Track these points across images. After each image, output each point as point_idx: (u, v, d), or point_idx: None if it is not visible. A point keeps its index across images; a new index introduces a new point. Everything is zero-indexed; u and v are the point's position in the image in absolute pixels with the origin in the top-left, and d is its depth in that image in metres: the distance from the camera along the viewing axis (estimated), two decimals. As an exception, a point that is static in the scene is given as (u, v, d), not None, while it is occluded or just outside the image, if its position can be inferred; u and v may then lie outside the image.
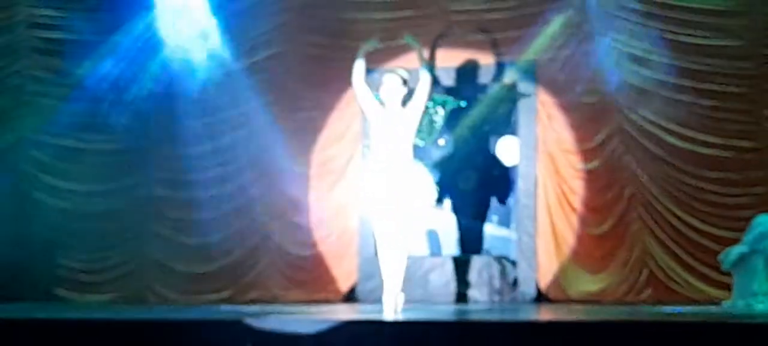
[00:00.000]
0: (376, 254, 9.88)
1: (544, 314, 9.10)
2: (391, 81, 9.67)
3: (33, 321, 7.85)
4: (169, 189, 12.96)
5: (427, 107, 11.77)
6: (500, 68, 12.25)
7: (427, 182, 9.78)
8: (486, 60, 12.27)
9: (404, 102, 9.71)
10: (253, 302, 12.31)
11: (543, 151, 12.07)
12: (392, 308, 9.35)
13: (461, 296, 11.96)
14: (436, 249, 12.93)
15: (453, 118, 12.58)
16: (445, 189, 12.65)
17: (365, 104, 9.75)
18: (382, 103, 9.74)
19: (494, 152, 12.90)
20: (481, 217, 12.87)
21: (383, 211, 9.50)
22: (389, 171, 9.51)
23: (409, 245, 9.67)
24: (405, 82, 9.71)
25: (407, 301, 9.67)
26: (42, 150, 13.20)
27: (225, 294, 12.63)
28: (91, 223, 13.05)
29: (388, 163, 9.52)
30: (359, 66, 9.78)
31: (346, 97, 12.34)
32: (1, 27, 13.27)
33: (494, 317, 8.35)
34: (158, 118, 12.97)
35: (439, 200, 12.42)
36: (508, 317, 8.13)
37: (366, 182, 9.76)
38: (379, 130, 9.65)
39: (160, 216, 12.96)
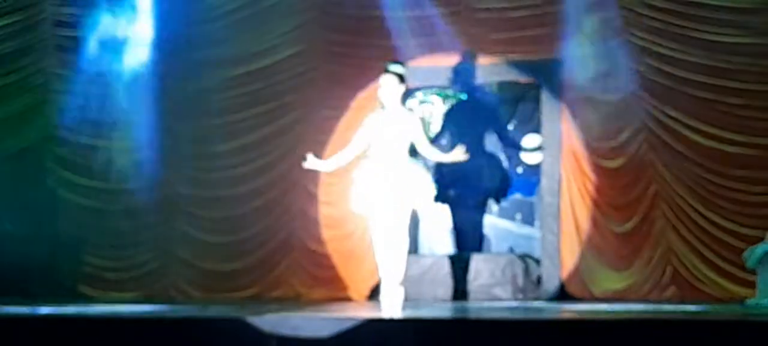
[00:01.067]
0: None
1: (568, 312, 9.10)
2: (388, 82, 9.67)
3: (56, 318, 7.90)
4: (194, 187, 13.01)
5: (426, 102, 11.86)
6: (524, 66, 12.24)
7: (426, 180, 9.77)
8: (510, 58, 12.26)
9: (403, 100, 9.80)
10: (277, 300, 12.35)
11: (567, 150, 12.05)
12: (390, 306, 9.38)
13: (485, 294, 11.97)
14: (461, 247, 12.92)
15: (471, 115, 12.58)
16: (455, 187, 12.67)
17: (366, 139, 9.82)
18: (381, 104, 9.76)
19: (494, 149, 12.90)
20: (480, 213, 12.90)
21: (380, 209, 9.52)
22: (387, 169, 9.51)
23: (406, 242, 9.68)
24: (402, 79, 9.71)
25: (438, 299, 9.71)
26: (66, 148, 13.27)
27: (249, 292, 12.67)
28: (116, 221, 13.10)
29: (387, 162, 9.53)
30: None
31: (367, 95, 12.35)
32: (25, 25, 13.35)
33: (518, 315, 8.34)
34: (183, 116, 13.02)
35: (444, 198, 12.38)
36: (531, 315, 8.12)
37: (363, 180, 9.76)
38: (378, 130, 9.65)
39: (185, 214, 13.00)
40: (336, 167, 10.22)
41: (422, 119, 10.67)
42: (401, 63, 10.00)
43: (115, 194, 13.12)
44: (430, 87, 12.47)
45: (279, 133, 12.72)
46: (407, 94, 9.96)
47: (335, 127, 12.51)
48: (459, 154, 9.79)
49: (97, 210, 13.16)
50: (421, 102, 10.89)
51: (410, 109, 10.07)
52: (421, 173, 9.81)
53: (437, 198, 12.35)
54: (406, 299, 9.76)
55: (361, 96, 12.42)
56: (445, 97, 11.70)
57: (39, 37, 13.36)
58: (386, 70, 9.78)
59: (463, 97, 10.69)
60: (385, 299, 9.52)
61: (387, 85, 9.68)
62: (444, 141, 12.67)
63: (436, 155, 10.02)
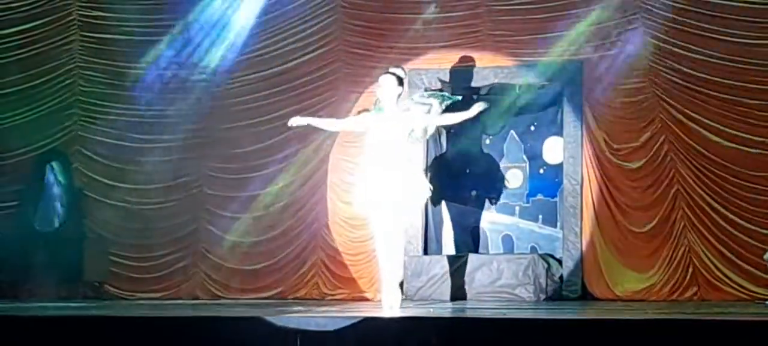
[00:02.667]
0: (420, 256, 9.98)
1: (590, 312, 9.13)
2: (387, 81, 9.71)
3: (85, 318, 7.98)
4: (220, 188, 13.09)
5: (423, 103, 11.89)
6: (546, 68, 12.27)
7: (422, 180, 9.84)
8: (532, 59, 12.30)
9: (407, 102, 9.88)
10: (302, 299, 12.41)
11: (588, 151, 12.08)
12: (389, 306, 9.45)
13: (507, 294, 11.99)
14: (482, 247, 12.97)
15: (493, 117, 12.62)
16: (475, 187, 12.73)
17: (357, 127, 9.90)
18: (379, 104, 9.83)
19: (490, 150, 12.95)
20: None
21: (379, 209, 9.58)
22: (384, 170, 9.57)
23: (402, 242, 9.74)
24: (401, 81, 9.76)
25: (458, 298, 9.76)
26: (94, 149, 13.36)
27: (274, 292, 12.75)
28: (143, 221, 13.20)
29: (385, 162, 9.58)
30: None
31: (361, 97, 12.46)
32: (54, 28, 13.45)
33: (540, 315, 8.39)
34: (210, 118, 13.11)
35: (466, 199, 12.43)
36: (553, 315, 8.16)
37: (364, 182, 9.82)
38: (376, 130, 9.70)
39: (211, 214, 13.08)
40: (318, 126, 10.33)
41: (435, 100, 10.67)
42: (401, 67, 10.09)
43: (141, 194, 13.22)
44: (453, 91, 12.50)
45: (303, 134, 12.78)
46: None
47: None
48: (478, 107, 9.86)
49: (124, 210, 13.25)
50: (418, 103, 10.94)
51: (406, 109, 10.04)
52: (416, 174, 9.85)
53: (459, 199, 12.45)
54: (428, 299, 9.80)
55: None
56: (442, 99, 11.79)
57: (67, 39, 13.46)
58: (385, 71, 9.84)
59: (458, 99, 10.73)
60: (385, 299, 9.53)
61: (386, 85, 9.71)
62: (461, 143, 12.76)
63: (455, 117, 10.05)
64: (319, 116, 12.63)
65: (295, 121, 10.00)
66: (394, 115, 9.69)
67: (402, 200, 9.55)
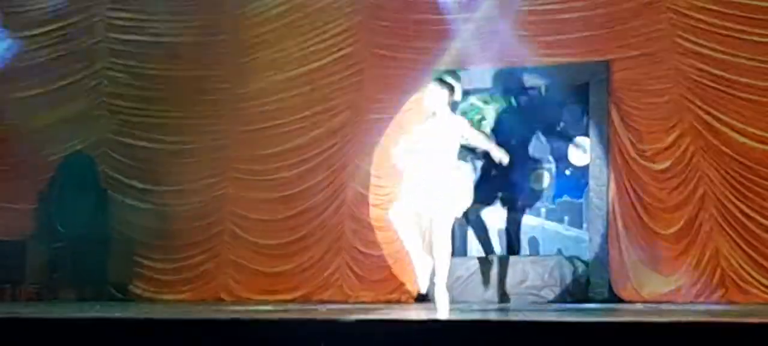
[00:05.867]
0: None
1: (616, 315, 9.10)
2: (436, 89, 9.78)
3: (108, 320, 7.99)
4: (244, 189, 13.12)
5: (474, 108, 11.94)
6: (572, 68, 12.25)
7: (469, 185, 9.91)
8: (558, 60, 12.27)
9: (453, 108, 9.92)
10: (326, 302, 12.42)
11: (615, 152, 12.04)
12: (441, 308, 9.51)
13: (533, 296, 11.97)
14: (508, 249, 12.94)
15: (518, 118, 12.60)
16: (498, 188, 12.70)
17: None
18: (431, 111, 9.88)
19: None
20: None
21: (424, 213, 9.64)
22: (434, 175, 9.61)
23: (449, 245, 9.78)
24: (452, 89, 9.81)
25: (485, 301, 9.81)
26: (119, 151, 13.43)
27: (299, 293, 12.76)
28: (168, 222, 13.24)
29: (434, 167, 9.63)
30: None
31: (415, 98, 12.42)
32: (80, 29, 13.51)
33: (566, 317, 8.36)
34: (233, 119, 13.14)
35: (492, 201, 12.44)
36: (579, 317, 8.13)
37: (409, 184, 9.88)
38: (428, 136, 9.77)
39: (236, 216, 13.12)
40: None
41: (471, 120, 10.79)
42: (454, 72, 10.11)
43: (166, 196, 13.26)
44: (479, 92, 12.49)
45: (327, 135, 12.82)
46: (456, 103, 10.04)
47: (383, 130, 12.59)
48: (503, 156, 10.00)
49: (149, 212, 13.30)
50: (471, 108, 11.02)
51: (461, 115, 10.16)
52: (464, 180, 9.92)
53: (486, 201, 12.43)
54: (452, 301, 9.84)
55: (409, 99, 12.49)
56: (495, 103, 11.74)
57: (93, 41, 13.53)
58: (436, 79, 9.90)
59: (513, 102, 10.77)
60: (439, 299, 9.64)
61: (435, 93, 9.78)
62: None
63: (483, 144, 10.16)
64: (342, 117, 12.74)
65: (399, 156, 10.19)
66: (447, 120, 9.75)
67: (449, 204, 9.62)
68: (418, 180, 9.72)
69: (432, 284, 9.84)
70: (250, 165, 13.11)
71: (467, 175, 10.22)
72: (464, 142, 10.07)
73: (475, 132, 9.98)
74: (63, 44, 13.57)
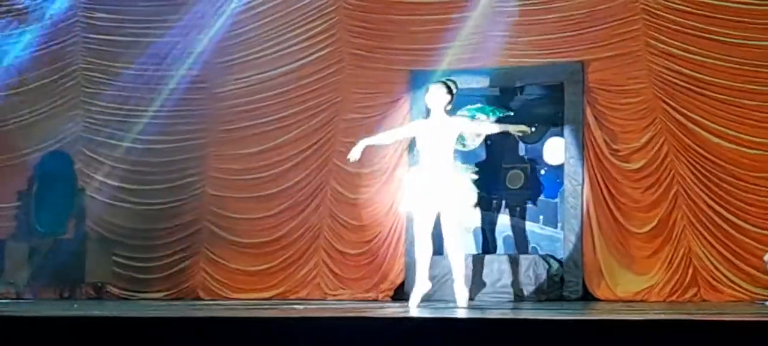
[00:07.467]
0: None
1: (590, 313, 9.16)
2: (436, 89, 9.89)
3: (85, 319, 8.00)
4: (222, 188, 13.15)
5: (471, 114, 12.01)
6: (548, 69, 12.32)
7: (469, 185, 10.01)
8: (534, 61, 12.34)
9: (451, 112, 9.99)
10: (303, 300, 12.45)
11: (589, 152, 12.12)
12: (415, 305, 9.64)
13: (508, 295, 12.03)
14: (484, 248, 12.99)
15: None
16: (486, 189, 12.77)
17: (409, 134, 10.05)
18: (428, 111, 9.98)
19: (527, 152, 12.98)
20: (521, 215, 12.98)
21: (424, 213, 9.73)
22: (433, 174, 9.71)
23: (461, 244, 9.88)
24: (451, 91, 9.91)
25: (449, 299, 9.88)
26: (96, 150, 13.41)
27: (277, 292, 12.80)
28: (146, 221, 13.25)
29: (432, 167, 9.74)
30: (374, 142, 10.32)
31: (396, 99, 12.52)
32: (58, 29, 13.49)
33: (540, 315, 8.42)
34: (212, 118, 13.16)
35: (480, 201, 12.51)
36: (554, 315, 8.19)
37: (409, 185, 9.99)
38: (425, 136, 9.87)
39: (214, 214, 13.14)
40: (374, 143, 10.44)
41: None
42: (454, 80, 10.22)
43: (144, 195, 13.27)
44: (473, 99, 12.55)
45: (306, 135, 12.86)
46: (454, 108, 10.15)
47: (362, 131, 12.64)
48: (524, 128, 10.35)
49: (127, 210, 13.30)
50: (466, 114, 11.13)
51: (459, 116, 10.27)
52: (465, 180, 10.02)
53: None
54: (430, 299, 9.92)
55: (388, 100, 12.56)
56: (492, 112, 11.82)
57: (71, 40, 13.51)
58: (439, 81, 10.01)
59: (510, 113, 10.89)
60: (415, 298, 9.72)
61: (435, 94, 9.88)
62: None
63: (492, 128, 10.23)
64: (321, 117, 12.77)
65: (355, 153, 10.22)
66: (443, 122, 9.84)
67: (451, 204, 9.70)
68: (424, 180, 9.82)
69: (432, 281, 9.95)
70: (229, 164, 13.14)
71: (468, 176, 10.30)
72: (469, 138, 10.14)
73: (477, 122, 10.08)
74: (41, 44, 13.54)
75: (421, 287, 9.86)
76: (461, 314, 8.58)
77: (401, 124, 12.38)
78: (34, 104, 13.51)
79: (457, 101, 10.63)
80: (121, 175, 13.38)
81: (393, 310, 9.81)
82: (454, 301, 9.93)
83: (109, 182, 13.40)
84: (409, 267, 12.20)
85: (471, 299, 11.65)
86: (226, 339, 7.20)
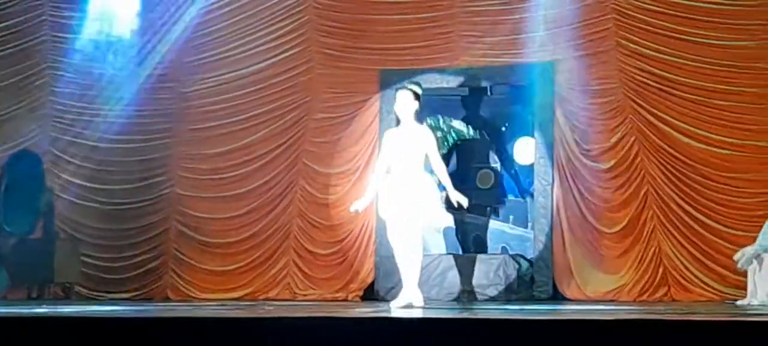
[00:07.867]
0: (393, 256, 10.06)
1: (560, 312, 9.17)
2: (403, 97, 9.85)
3: (54, 319, 7.95)
4: (192, 188, 13.10)
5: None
6: (518, 69, 12.32)
7: (435, 193, 9.98)
8: (504, 61, 12.34)
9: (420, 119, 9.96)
10: (273, 300, 12.42)
11: (559, 152, 12.13)
12: (401, 305, 9.55)
13: (477, 294, 12.03)
14: (453, 248, 13.00)
15: (465, 118, 12.65)
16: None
17: (387, 155, 9.97)
18: (397, 118, 9.95)
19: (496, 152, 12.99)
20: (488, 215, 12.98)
21: (397, 217, 9.71)
22: (402, 179, 9.68)
23: (420, 247, 9.84)
24: (417, 96, 9.87)
25: (424, 299, 9.85)
26: (64, 149, 13.34)
27: (246, 292, 12.76)
28: (114, 221, 13.19)
29: (402, 172, 9.71)
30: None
31: (365, 99, 12.49)
32: (25, 28, 13.40)
33: (509, 315, 8.42)
34: (181, 118, 13.11)
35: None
36: (523, 315, 8.19)
37: (380, 190, 9.95)
38: (394, 144, 9.83)
39: (183, 214, 13.09)
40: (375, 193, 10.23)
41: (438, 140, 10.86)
42: (418, 83, 10.17)
43: (113, 195, 13.21)
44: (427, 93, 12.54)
45: (275, 135, 12.82)
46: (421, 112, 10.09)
47: (331, 130, 12.63)
48: (461, 199, 9.99)
49: (96, 210, 13.24)
50: (432, 127, 11.14)
51: (427, 126, 10.20)
52: (432, 186, 9.98)
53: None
54: (380, 300, 9.90)
55: (357, 100, 12.54)
56: (456, 130, 11.88)
57: (39, 39, 13.43)
58: (403, 87, 9.95)
59: (477, 136, 10.87)
60: (403, 300, 9.68)
61: (402, 101, 9.84)
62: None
63: (443, 177, 10.10)
64: (291, 116, 12.74)
65: (358, 205, 10.14)
66: (414, 130, 9.83)
67: (417, 209, 9.68)
68: (393, 185, 9.79)
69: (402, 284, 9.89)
70: (197, 164, 13.09)
71: (434, 184, 10.26)
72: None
73: (439, 159, 9.99)
74: (9, 43, 13.44)
75: (408, 295, 9.75)
76: (424, 313, 8.57)
77: (371, 124, 12.40)
78: (1, 104, 13.40)
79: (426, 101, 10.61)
80: (89, 174, 13.30)
81: (363, 310, 9.79)
82: (426, 299, 9.90)
83: (77, 181, 13.32)
84: (379, 267, 12.19)
85: (437, 299, 11.70)
86: (195, 340, 7.17)
